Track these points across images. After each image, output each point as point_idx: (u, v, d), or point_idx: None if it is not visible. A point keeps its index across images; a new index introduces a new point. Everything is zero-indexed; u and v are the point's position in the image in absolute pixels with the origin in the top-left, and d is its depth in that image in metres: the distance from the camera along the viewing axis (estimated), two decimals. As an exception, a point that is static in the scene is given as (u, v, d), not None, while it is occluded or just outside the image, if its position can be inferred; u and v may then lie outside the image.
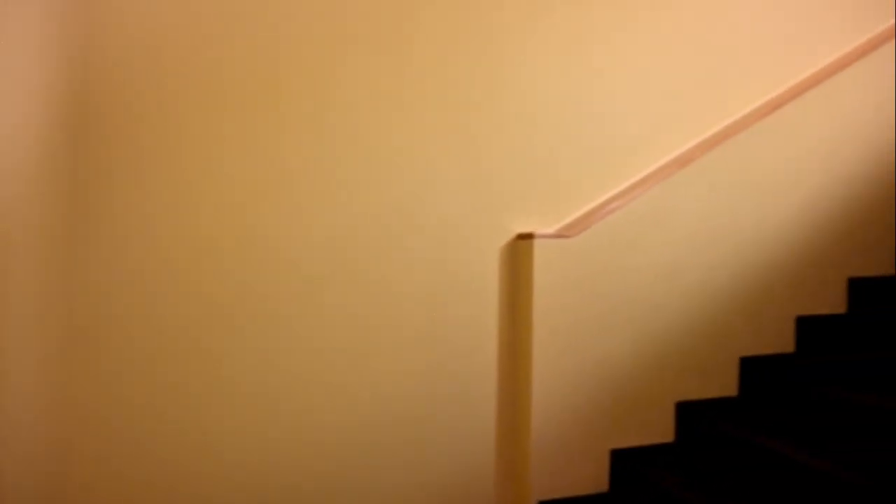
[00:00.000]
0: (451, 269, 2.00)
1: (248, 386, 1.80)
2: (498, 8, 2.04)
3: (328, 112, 1.88)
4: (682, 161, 2.18)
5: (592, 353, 2.04)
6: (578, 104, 2.14)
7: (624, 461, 2.05)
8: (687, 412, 2.14)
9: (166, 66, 1.72)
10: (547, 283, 1.98)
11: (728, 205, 2.21)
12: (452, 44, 2.00)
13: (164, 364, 1.72)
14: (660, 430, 2.14)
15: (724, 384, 2.23)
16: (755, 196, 2.25)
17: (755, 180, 2.25)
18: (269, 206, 1.82)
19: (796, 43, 2.45)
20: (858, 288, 2.39)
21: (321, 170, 1.88)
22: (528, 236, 2.00)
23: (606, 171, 2.18)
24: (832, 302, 2.39)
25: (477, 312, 2.03)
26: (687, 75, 2.29)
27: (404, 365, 1.96)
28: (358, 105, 1.90)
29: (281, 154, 1.83)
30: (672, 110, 2.27)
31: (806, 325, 2.32)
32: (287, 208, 1.84)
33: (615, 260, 2.06)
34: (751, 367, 2.25)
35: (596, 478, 2.06)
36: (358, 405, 1.92)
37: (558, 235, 1.99)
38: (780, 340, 2.31)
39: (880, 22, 2.61)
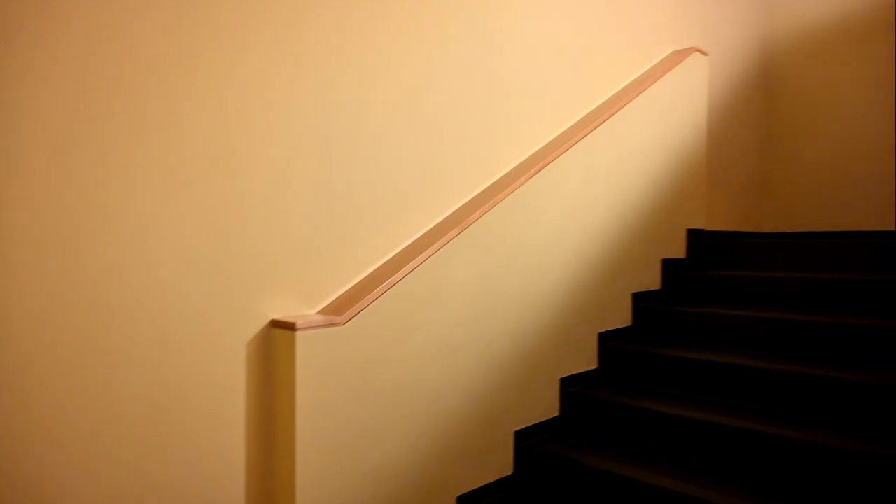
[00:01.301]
0: (174, 378, 1.40)
1: None
2: (229, 71, 1.52)
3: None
4: (457, 220, 1.94)
5: (369, 460, 1.65)
6: (341, 157, 1.73)
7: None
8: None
9: None
10: (312, 382, 1.52)
11: (505, 268, 2.05)
12: (186, 98, 1.40)
13: None
14: (440, 532, 1.86)
15: (502, 465, 2.06)
16: (530, 256, 2.14)
17: (529, 240, 2.14)
18: None
19: (558, 104, 2.45)
20: (608, 350, 2.47)
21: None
22: (286, 325, 1.52)
23: (375, 234, 1.81)
24: (588, 359, 2.44)
25: (214, 429, 1.47)
26: (458, 126, 2.06)
27: (99, 532, 1.30)
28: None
29: None
30: (444, 164, 2.02)
31: (568, 393, 2.31)
32: None
33: (393, 345, 1.71)
34: (524, 439, 2.14)
35: None
36: None
37: (326, 323, 1.55)
38: (548, 408, 2.25)
39: (648, 61, 2.81)
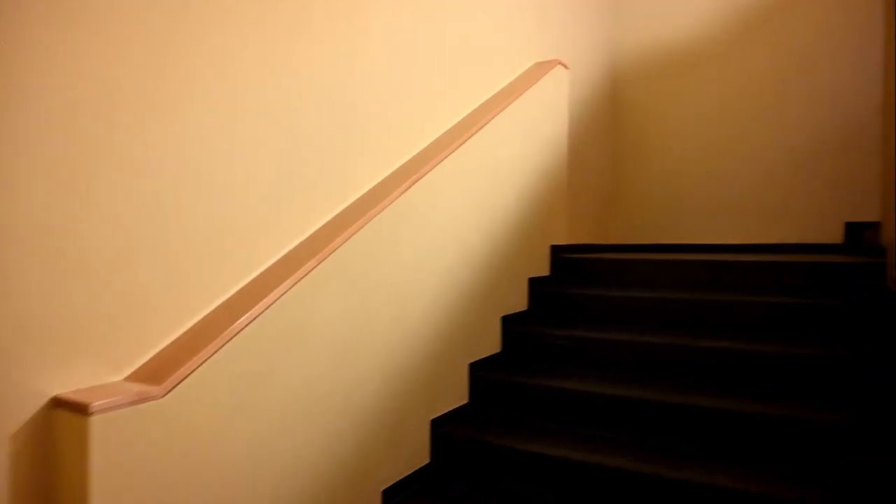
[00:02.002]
0: None
1: None
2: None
3: None
4: (317, 247, 1.61)
5: (198, 568, 1.26)
6: (162, 173, 1.32)
7: None
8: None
9: None
10: (114, 485, 1.10)
11: (372, 299, 1.75)
12: None
13: None
14: None
15: (368, 533, 1.77)
16: (395, 287, 1.86)
17: (396, 267, 1.86)
18: None
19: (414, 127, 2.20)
20: (479, 381, 2.29)
21: None
22: (76, 406, 1.08)
23: (205, 271, 1.42)
24: (459, 394, 2.22)
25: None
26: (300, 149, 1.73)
27: None
28: None
29: None
30: (297, 184, 1.67)
31: (438, 436, 2.07)
32: None
33: (234, 415, 1.33)
34: (391, 497, 1.86)
35: None
36: None
37: (137, 398, 1.13)
38: (418, 455, 1.99)
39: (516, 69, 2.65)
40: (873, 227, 3.39)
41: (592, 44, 3.85)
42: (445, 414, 2.12)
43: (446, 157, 2.11)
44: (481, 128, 2.31)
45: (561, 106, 3.01)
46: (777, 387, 1.98)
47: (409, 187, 1.90)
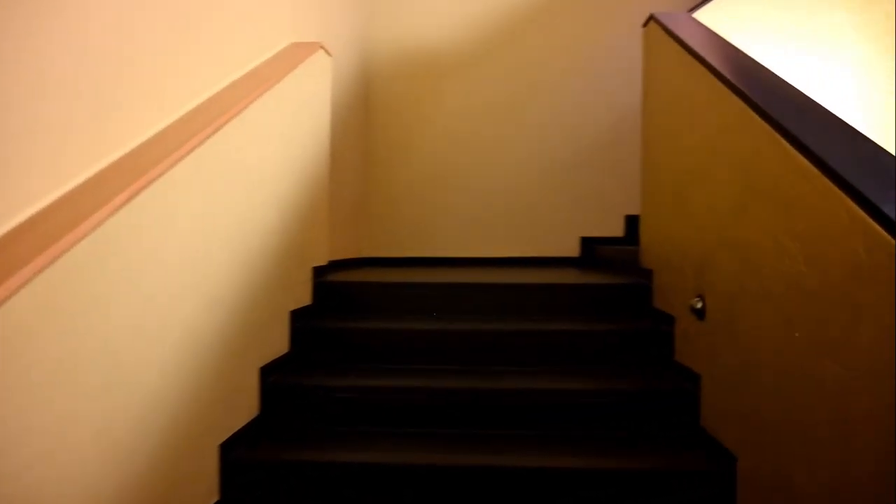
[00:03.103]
0: None
1: None
2: None
3: None
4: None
5: None
6: None
7: None
8: None
9: None
10: None
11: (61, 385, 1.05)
12: None
13: None
14: None
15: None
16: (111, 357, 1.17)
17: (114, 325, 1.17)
18: None
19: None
20: (232, 465, 1.68)
21: None
22: None
23: None
24: (208, 488, 1.59)
25: None
26: None
27: None
28: None
29: None
30: None
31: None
32: None
33: None
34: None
35: None
36: None
37: None
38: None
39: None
40: (610, 242, 3.68)
41: (347, 32, 3.43)
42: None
43: (180, 160, 1.45)
44: (232, 119, 1.70)
45: (324, 99, 2.52)
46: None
47: (112, 214, 1.22)
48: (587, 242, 3.73)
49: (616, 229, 3.73)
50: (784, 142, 1.32)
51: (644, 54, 2.51)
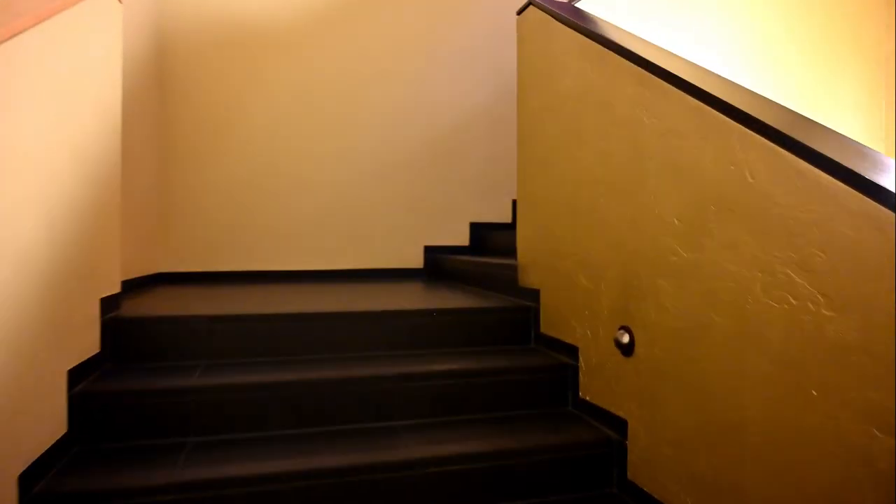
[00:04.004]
0: None
1: None
2: None
3: None
4: None
5: None
6: None
7: None
8: None
9: None
10: None
11: None
12: None
13: None
14: None
15: None
16: None
17: None
18: None
19: None
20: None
21: None
22: None
23: None
24: None
25: None
26: None
27: None
28: None
29: None
30: None
31: None
32: None
33: None
34: None
35: None
36: None
37: None
38: None
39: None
40: (457, 251, 3.38)
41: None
42: None
43: None
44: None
45: (113, 62, 1.78)
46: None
47: None
48: (430, 251, 3.39)
49: (462, 237, 3.45)
50: (786, 153, 1.07)
51: (521, 45, 2.22)
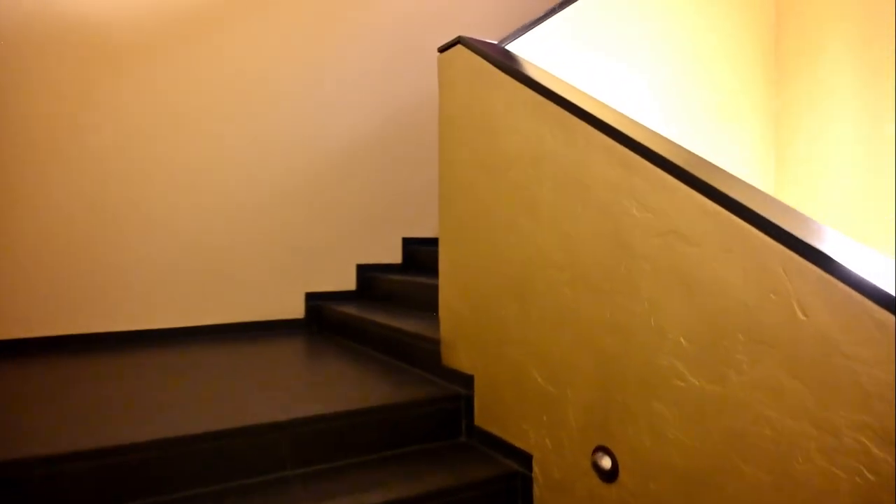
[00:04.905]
0: None
1: None
2: None
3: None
4: None
5: None
6: None
7: None
8: None
9: None
10: None
11: None
12: None
13: None
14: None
15: None
16: None
17: None
18: None
19: None
20: None
21: None
22: None
23: None
24: None
25: None
26: None
27: None
28: None
29: None
30: None
31: None
32: None
33: None
34: None
35: None
36: None
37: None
38: None
39: None
40: (340, 296, 2.99)
41: None
42: None
43: None
44: None
45: None
46: None
47: None
48: (312, 298, 2.96)
49: (349, 281, 3.07)
50: (860, 297, 0.90)
51: (445, 89, 1.92)
